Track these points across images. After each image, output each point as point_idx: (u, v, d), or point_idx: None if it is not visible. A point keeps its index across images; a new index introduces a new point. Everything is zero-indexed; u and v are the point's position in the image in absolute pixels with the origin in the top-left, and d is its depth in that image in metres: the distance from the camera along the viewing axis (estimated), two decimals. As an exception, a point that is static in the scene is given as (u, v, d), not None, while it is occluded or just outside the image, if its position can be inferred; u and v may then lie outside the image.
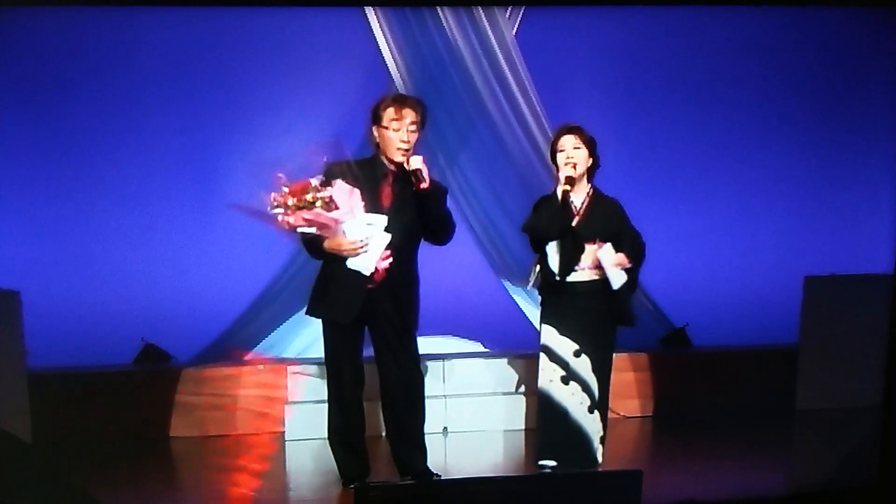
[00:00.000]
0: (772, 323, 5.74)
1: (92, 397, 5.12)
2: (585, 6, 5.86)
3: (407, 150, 3.90)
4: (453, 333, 5.79)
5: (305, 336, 5.58)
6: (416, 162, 3.89)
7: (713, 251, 6.08)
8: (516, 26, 5.75)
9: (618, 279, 4.14)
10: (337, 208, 3.78)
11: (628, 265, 4.15)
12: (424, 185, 3.88)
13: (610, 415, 4.38)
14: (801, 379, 5.55)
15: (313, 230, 3.82)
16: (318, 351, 5.58)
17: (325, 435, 4.15)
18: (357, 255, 3.85)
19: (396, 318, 3.99)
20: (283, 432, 5.11)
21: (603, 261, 4.14)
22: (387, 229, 3.86)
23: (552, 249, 4.20)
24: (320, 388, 5.13)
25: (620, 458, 4.22)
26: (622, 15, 5.87)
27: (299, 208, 3.72)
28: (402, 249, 3.95)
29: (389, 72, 5.62)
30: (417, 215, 3.95)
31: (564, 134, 4.22)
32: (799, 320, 5.58)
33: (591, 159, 4.21)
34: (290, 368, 5.27)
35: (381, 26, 5.61)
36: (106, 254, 5.55)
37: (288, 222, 3.76)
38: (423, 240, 4.08)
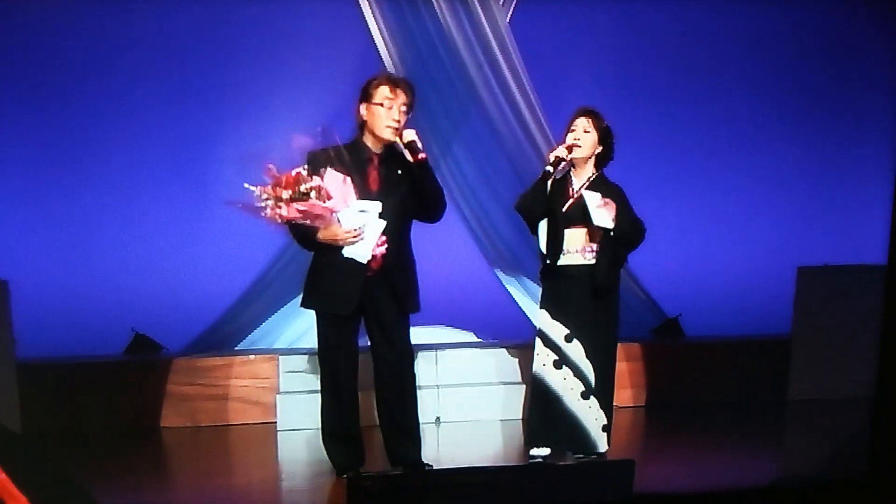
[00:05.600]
0: (765, 313, 5.74)
1: (82, 387, 5.09)
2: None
3: (397, 129, 3.85)
4: (446, 323, 5.77)
5: (297, 326, 5.56)
6: (410, 135, 3.85)
7: (707, 241, 6.08)
8: (510, 13, 5.72)
9: (601, 219, 4.05)
10: (331, 197, 3.72)
11: (613, 208, 4.04)
12: (422, 156, 3.83)
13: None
14: (793, 369, 5.55)
15: (307, 221, 3.75)
16: (310, 341, 5.59)
17: (317, 425, 4.11)
18: (353, 243, 3.80)
19: (393, 304, 3.95)
20: (275, 422, 5.10)
21: (589, 202, 4.06)
22: (381, 215, 3.81)
23: (542, 232, 4.17)
24: (312, 379, 5.13)
25: (613, 447, 4.22)
26: (618, 3, 5.84)
27: (293, 200, 3.64)
28: (396, 233, 3.90)
29: (382, 59, 5.58)
30: (410, 193, 3.89)
31: (580, 116, 4.17)
32: (792, 311, 5.57)
33: (600, 146, 4.16)
34: (282, 358, 5.25)
35: (373, 13, 5.57)
36: (96, 243, 5.53)
37: (280, 215, 3.68)
38: (415, 219, 4.01)
